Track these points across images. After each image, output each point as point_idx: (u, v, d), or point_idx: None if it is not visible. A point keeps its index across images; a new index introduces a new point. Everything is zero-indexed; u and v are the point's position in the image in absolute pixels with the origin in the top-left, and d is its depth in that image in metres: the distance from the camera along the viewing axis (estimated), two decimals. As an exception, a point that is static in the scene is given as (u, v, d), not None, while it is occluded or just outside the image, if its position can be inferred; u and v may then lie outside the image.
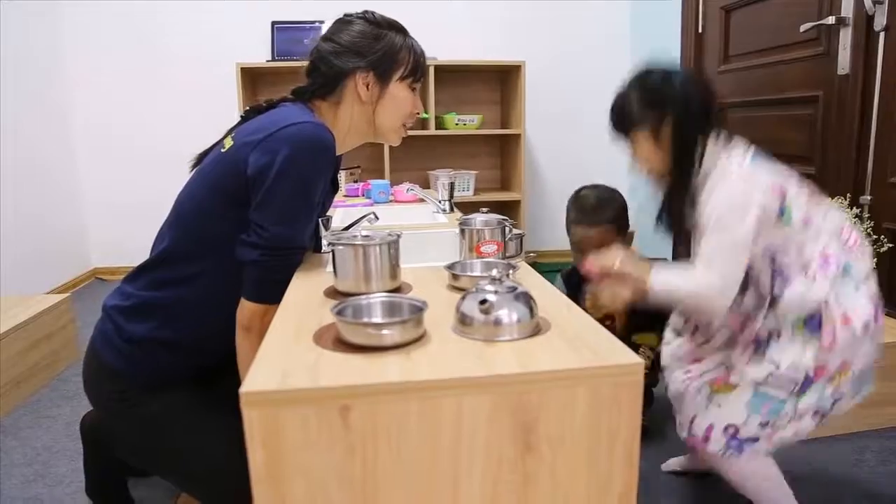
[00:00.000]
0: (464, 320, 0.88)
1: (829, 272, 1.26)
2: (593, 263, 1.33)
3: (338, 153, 1.36)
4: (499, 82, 4.12)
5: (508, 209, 3.97)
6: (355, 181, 3.16)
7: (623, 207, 1.86)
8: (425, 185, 3.71)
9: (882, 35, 2.23)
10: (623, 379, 0.79)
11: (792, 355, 1.27)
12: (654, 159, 1.36)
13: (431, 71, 3.66)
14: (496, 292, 0.87)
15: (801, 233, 1.27)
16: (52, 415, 2.19)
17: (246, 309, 1.17)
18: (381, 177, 3.63)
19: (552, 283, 1.25)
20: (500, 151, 4.20)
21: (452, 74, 3.90)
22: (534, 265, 1.45)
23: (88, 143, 3.89)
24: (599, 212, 1.82)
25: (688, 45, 3.39)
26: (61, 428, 2.09)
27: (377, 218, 1.51)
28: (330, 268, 1.18)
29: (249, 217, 1.16)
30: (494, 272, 0.89)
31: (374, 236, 1.12)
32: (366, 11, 1.34)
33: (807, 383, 1.28)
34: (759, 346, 1.32)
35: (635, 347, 1.81)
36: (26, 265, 3.22)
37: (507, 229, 1.31)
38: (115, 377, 1.26)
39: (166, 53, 3.85)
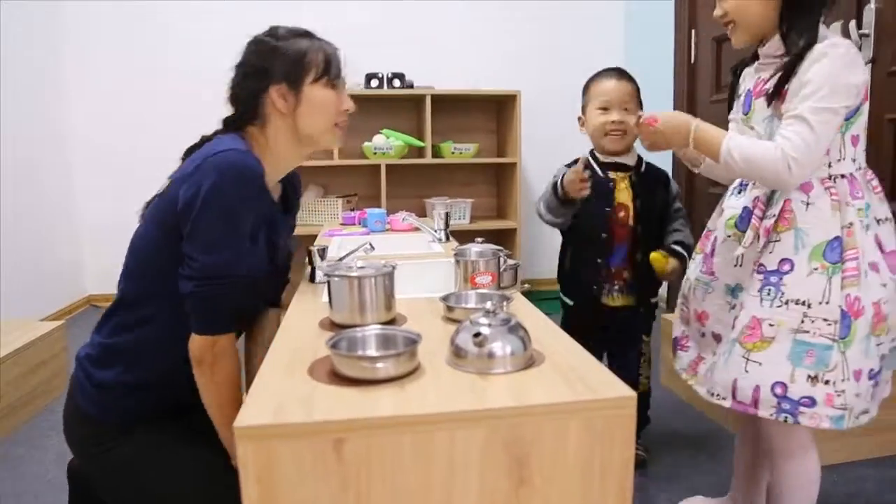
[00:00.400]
0: (458, 353, 0.88)
1: (853, 200, 1.25)
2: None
3: (282, 172, 1.36)
4: (495, 111, 4.17)
5: (504, 237, 3.99)
6: (352, 209, 3.17)
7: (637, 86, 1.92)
8: (422, 212, 3.73)
9: (869, 67, 2.27)
10: (616, 412, 0.80)
11: (814, 287, 1.23)
12: (755, 13, 1.30)
13: (428, 100, 3.70)
14: (490, 325, 0.88)
15: (845, 147, 1.26)
16: (43, 445, 2.18)
17: (194, 342, 1.16)
18: (378, 204, 3.65)
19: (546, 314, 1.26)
20: (496, 180, 4.23)
21: (449, 103, 3.94)
22: (529, 294, 1.46)
23: (86, 169, 3.91)
24: (626, 73, 1.91)
25: (681, 74, 3.44)
26: (53, 458, 2.07)
27: (373, 248, 1.52)
28: (325, 298, 1.19)
29: (182, 250, 1.16)
30: (489, 304, 0.90)
31: (370, 268, 1.13)
32: (270, 27, 1.33)
33: (845, 322, 1.22)
34: (769, 277, 1.28)
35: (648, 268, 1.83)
36: (21, 291, 3.21)
37: (501, 260, 1.32)
38: (89, 422, 1.26)
39: (165, 84, 3.89)
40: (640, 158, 1.93)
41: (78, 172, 3.91)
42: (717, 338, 1.44)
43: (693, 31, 3.34)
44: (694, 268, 1.51)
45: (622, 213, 1.85)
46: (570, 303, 1.98)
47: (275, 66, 1.27)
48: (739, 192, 1.41)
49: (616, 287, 1.88)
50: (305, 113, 1.28)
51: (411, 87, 3.78)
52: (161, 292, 1.20)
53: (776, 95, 1.28)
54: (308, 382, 0.85)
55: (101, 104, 3.88)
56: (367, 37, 3.96)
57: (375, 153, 3.72)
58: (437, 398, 0.79)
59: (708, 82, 3.25)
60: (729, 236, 1.38)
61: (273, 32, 1.31)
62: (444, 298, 1.17)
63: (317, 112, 1.30)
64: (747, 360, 1.28)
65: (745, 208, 1.35)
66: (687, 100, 3.37)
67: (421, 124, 3.90)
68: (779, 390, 1.24)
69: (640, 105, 1.87)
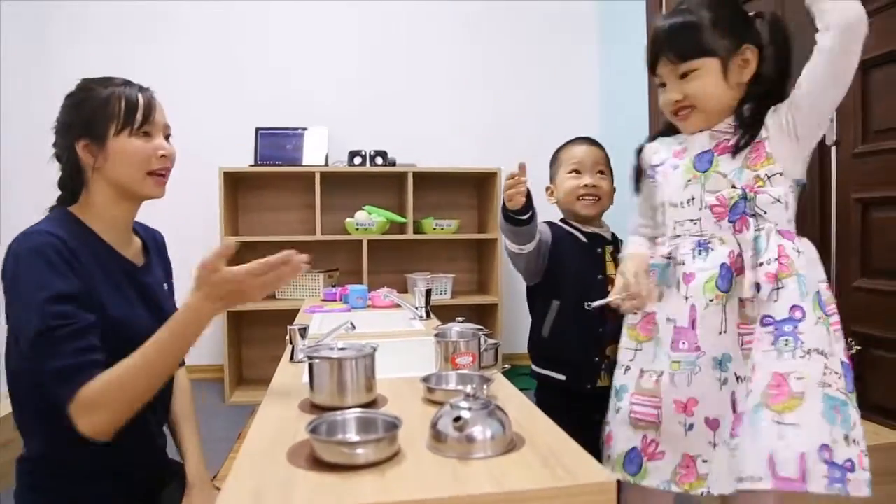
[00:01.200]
0: (438, 437, 0.88)
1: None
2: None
3: (121, 229, 1.33)
4: (475, 188, 4.25)
5: (485, 312, 4.00)
6: (333, 285, 3.18)
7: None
8: (403, 288, 3.74)
9: (833, 149, 2.37)
10: (596, 498, 0.79)
11: (823, 337, 1.17)
12: (718, 99, 1.32)
13: (410, 177, 3.77)
14: (470, 409, 0.88)
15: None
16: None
17: (75, 420, 1.09)
18: (359, 279, 3.67)
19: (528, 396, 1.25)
20: (478, 255, 4.28)
21: (430, 180, 4.01)
22: (511, 370, 1.45)
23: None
24: (596, 142, 1.86)
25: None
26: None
27: (354, 327, 1.52)
28: (306, 379, 1.19)
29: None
30: (469, 388, 0.90)
31: (351, 349, 1.14)
32: (81, 80, 1.29)
33: (848, 376, 1.17)
34: (781, 327, 1.18)
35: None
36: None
37: (482, 340, 1.33)
38: None
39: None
40: (613, 233, 1.84)
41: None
42: (714, 423, 1.25)
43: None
44: (654, 356, 1.32)
45: (610, 287, 1.63)
46: (562, 377, 1.71)
47: (78, 119, 1.24)
48: (700, 254, 1.30)
49: (603, 366, 1.67)
50: (112, 166, 1.24)
51: (394, 164, 3.86)
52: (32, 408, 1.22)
53: (745, 148, 1.29)
54: (287, 468, 0.84)
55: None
56: (350, 115, 4.07)
57: (357, 229, 3.76)
58: (418, 484, 0.79)
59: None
60: (711, 300, 1.25)
61: (81, 84, 1.28)
62: (426, 380, 1.17)
63: (124, 164, 1.24)
64: (780, 424, 1.10)
65: (722, 265, 1.26)
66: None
67: (403, 200, 3.96)
68: (826, 455, 1.08)
69: (611, 172, 1.82)
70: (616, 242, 1.80)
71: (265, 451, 0.91)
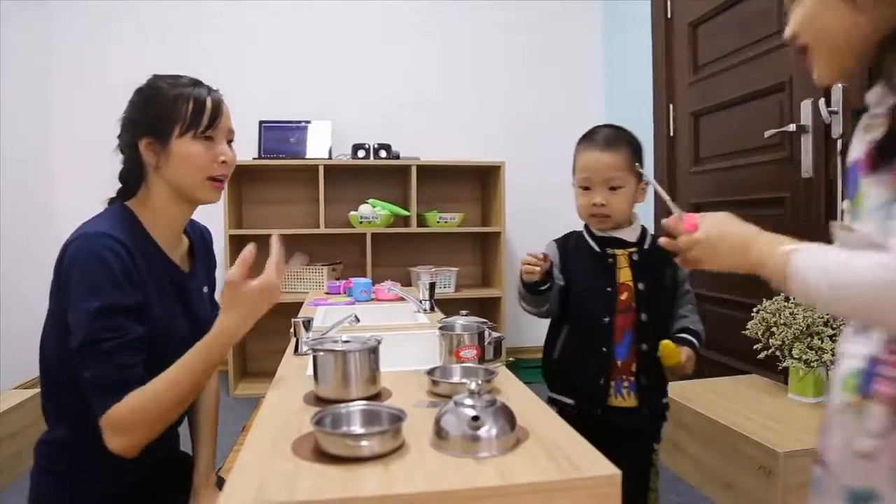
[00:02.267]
0: (442, 435, 0.88)
1: None
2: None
3: (174, 230, 1.32)
4: (479, 181, 4.24)
5: (489, 305, 4.00)
6: (336, 278, 3.18)
7: (638, 144, 1.66)
8: (407, 281, 3.74)
9: (839, 142, 2.35)
10: (602, 490, 0.79)
11: None
12: (836, 31, 0.86)
13: (413, 170, 3.77)
14: (474, 406, 0.87)
15: None
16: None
17: (105, 436, 1.11)
18: (363, 273, 3.66)
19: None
20: (481, 248, 4.27)
21: (434, 174, 4.01)
22: (514, 364, 1.45)
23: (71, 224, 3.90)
24: (614, 139, 1.62)
25: (661, 147, 3.54)
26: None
27: (358, 320, 1.52)
28: (310, 371, 1.19)
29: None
30: (473, 385, 0.90)
31: (355, 341, 1.14)
32: (152, 76, 1.28)
33: None
34: None
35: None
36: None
37: (486, 333, 1.33)
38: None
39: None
40: (643, 231, 1.66)
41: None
42: None
43: (671, 106, 3.46)
44: None
45: (624, 295, 1.56)
46: (571, 402, 1.60)
47: (142, 118, 1.23)
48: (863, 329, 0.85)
49: (624, 384, 1.55)
50: (174, 168, 1.23)
51: (397, 157, 3.86)
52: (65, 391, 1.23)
53: (884, 165, 0.78)
54: (291, 460, 0.84)
55: (89, 176, 3.89)
56: (354, 108, 4.06)
57: (361, 222, 3.75)
58: (422, 477, 0.79)
59: (687, 155, 3.35)
60: (848, 404, 0.82)
61: (151, 81, 1.27)
62: (430, 372, 1.17)
63: (185, 167, 1.23)
64: None
65: (870, 360, 0.81)
66: (667, 171, 3.46)
67: (406, 194, 3.96)
68: None
69: (638, 169, 1.57)
70: (642, 242, 1.62)
71: (270, 443, 0.91)
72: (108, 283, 1.12)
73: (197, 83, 1.27)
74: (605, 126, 1.67)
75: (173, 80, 1.25)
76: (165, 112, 1.21)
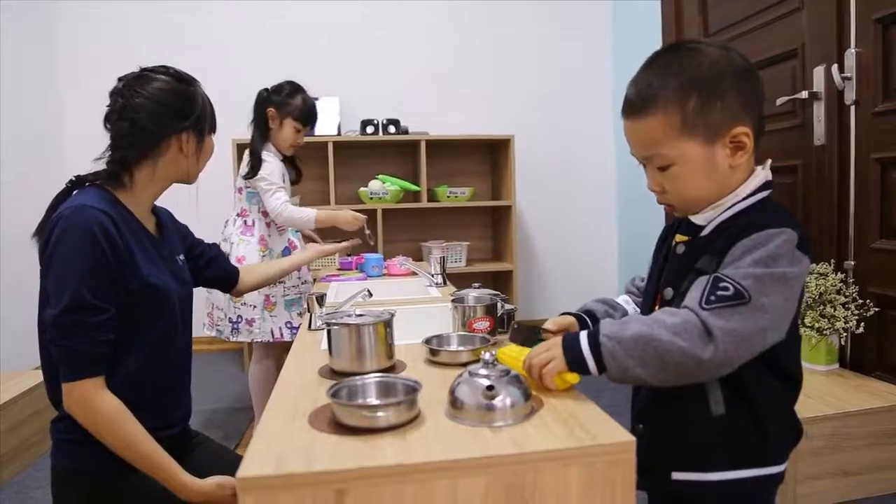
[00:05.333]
0: (455, 404, 0.89)
1: None
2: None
3: (148, 207, 1.39)
4: (489, 155, 4.22)
5: (500, 279, 4.00)
6: (348, 254, 3.18)
7: (705, 77, 0.99)
8: (418, 256, 3.75)
9: (853, 108, 2.32)
10: (616, 457, 0.80)
11: None
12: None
13: (423, 145, 3.75)
14: (489, 376, 0.88)
15: None
16: (37, 496, 2.15)
17: (66, 396, 1.17)
18: (375, 248, 3.67)
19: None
20: (492, 222, 4.27)
21: (444, 148, 3.99)
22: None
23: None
24: (646, 93, 1.03)
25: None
26: (48, 512, 2.04)
27: (371, 294, 1.53)
28: (325, 346, 1.20)
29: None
30: (487, 356, 0.91)
31: (369, 315, 1.14)
32: (167, 68, 1.37)
33: None
34: None
35: None
36: (15, 340, 3.20)
37: (498, 305, 1.33)
38: (66, 476, 1.27)
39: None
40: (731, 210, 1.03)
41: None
42: None
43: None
44: None
45: (658, 305, 1.12)
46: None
47: (190, 113, 1.35)
48: None
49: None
50: (199, 159, 1.41)
51: (406, 132, 3.84)
52: None
53: None
54: (309, 432, 0.86)
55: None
56: (362, 84, 4.04)
57: (372, 198, 3.75)
58: (439, 446, 0.80)
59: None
60: None
61: (186, 77, 1.39)
62: (427, 341, 1.19)
63: (205, 159, 1.43)
64: None
65: None
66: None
67: (416, 169, 3.95)
68: None
69: (689, 133, 0.99)
70: (727, 227, 1.01)
71: (287, 416, 0.92)
72: (91, 252, 1.17)
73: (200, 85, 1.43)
74: (648, 63, 1.09)
75: (193, 81, 1.40)
76: (206, 110, 1.39)
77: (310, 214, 2.43)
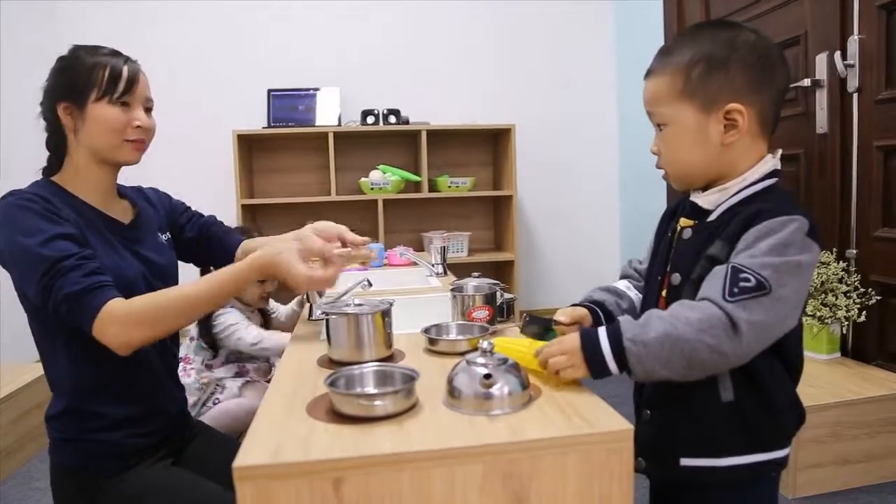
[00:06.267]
0: (453, 393, 0.89)
1: None
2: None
3: (104, 192, 1.35)
4: (490, 144, 4.21)
5: (502, 269, 4.00)
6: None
7: (721, 50, 0.99)
8: (419, 246, 3.75)
9: (855, 96, 2.31)
10: (614, 446, 0.80)
11: None
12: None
13: (423, 135, 3.74)
14: (486, 364, 0.88)
15: None
16: (41, 487, 2.16)
17: (99, 337, 1.14)
18: (375, 238, 3.67)
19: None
20: (493, 212, 4.26)
21: (444, 138, 3.98)
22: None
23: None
24: (665, 51, 1.05)
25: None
26: (49, 502, 2.05)
27: (370, 284, 1.53)
28: (323, 336, 1.20)
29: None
30: (485, 344, 0.90)
31: (367, 304, 1.14)
32: (73, 46, 1.32)
33: None
34: None
35: None
36: (19, 332, 3.20)
37: (498, 294, 1.33)
38: (65, 473, 1.27)
39: (163, 124, 3.93)
40: (740, 194, 1.02)
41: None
42: None
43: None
44: None
45: (664, 291, 1.09)
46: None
47: (62, 83, 1.28)
48: None
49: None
50: (89, 131, 1.28)
51: (407, 122, 3.83)
52: (46, 327, 1.26)
53: None
54: (306, 421, 0.86)
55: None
56: (362, 74, 4.03)
57: (372, 188, 3.75)
58: (436, 435, 0.80)
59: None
60: None
61: (72, 50, 1.32)
62: (426, 331, 1.19)
63: (100, 131, 1.28)
64: None
65: None
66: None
67: (417, 159, 3.94)
68: None
69: (687, 97, 1.00)
70: (737, 213, 0.99)
71: (285, 405, 0.92)
72: (41, 221, 1.17)
73: (115, 53, 1.31)
74: (677, 37, 1.08)
75: (92, 50, 1.30)
76: (83, 78, 1.26)
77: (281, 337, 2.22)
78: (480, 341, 0.92)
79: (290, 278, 1.23)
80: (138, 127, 1.31)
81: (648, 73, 1.07)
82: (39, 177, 1.33)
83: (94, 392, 1.24)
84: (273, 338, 2.16)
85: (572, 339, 0.95)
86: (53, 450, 1.28)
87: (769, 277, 0.89)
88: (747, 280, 0.90)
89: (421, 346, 1.20)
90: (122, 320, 1.13)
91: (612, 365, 0.92)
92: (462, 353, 1.10)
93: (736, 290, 0.89)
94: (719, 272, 0.93)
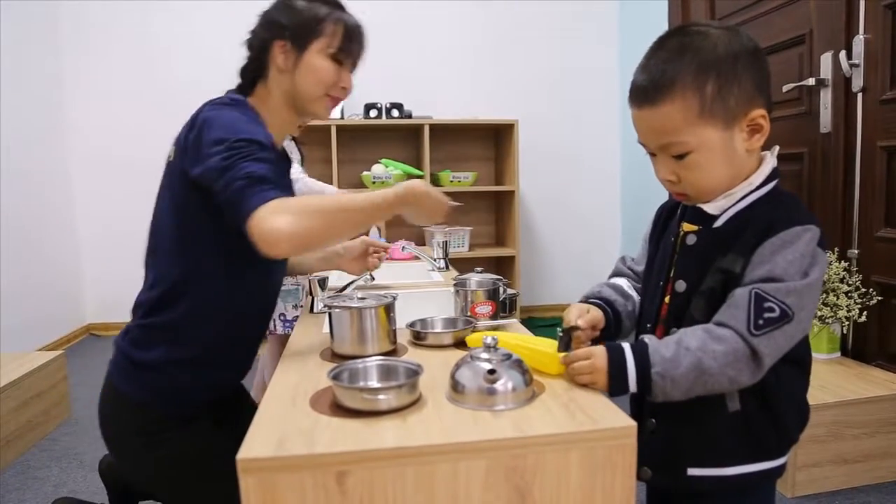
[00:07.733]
0: (456, 387, 0.89)
1: None
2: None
3: (279, 134, 1.35)
4: (493, 140, 4.21)
5: (503, 264, 4.00)
6: (351, 238, 3.18)
7: (721, 61, 0.94)
8: (421, 240, 3.75)
9: (860, 96, 2.30)
10: (617, 442, 0.80)
11: None
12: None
13: (426, 130, 3.74)
14: (490, 360, 0.88)
15: None
16: (40, 476, 2.16)
17: (255, 227, 1.04)
18: (377, 233, 3.67)
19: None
20: (495, 207, 4.26)
21: (447, 133, 3.98)
22: (528, 321, 1.45)
23: (86, 199, 3.93)
24: (659, 79, 0.96)
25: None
26: (50, 490, 2.06)
27: (373, 278, 1.53)
28: (326, 329, 1.20)
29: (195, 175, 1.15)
30: (489, 340, 0.90)
31: (371, 298, 1.14)
32: None
33: None
34: None
35: None
36: (19, 321, 3.21)
37: (501, 289, 1.33)
38: (134, 408, 1.24)
39: (166, 119, 3.92)
40: (747, 199, 1.00)
41: (79, 201, 3.93)
42: None
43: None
44: None
45: (667, 298, 1.07)
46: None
47: (287, 22, 1.29)
48: None
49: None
50: (301, 76, 1.29)
51: (409, 116, 3.83)
52: (194, 261, 1.22)
53: None
54: (310, 415, 0.86)
55: (102, 120, 3.89)
56: (365, 67, 4.01)
57: (374, 182, 3.75)
58: (439, 429, 0.80)
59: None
60: None
61: None
62: (411, 325, 1.20)
63: (312, 78, 1.30)
64: None
65: None
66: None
67: (419, 153, 3.94)
68: None
69: (708, 118, 0.94)
70: (746, 220, 0.98)
71: (288, 398, 0.92)
72: (246, 123, 1.17)
73: (341, 7, 1.35)
74: (656, 48, 1.02)
75: (332, 1, 1.33)
76: (313, 24, 1.28)
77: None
78: (485, 337, 0.92)
79: (430, 200, 1.23)
80: (342, 88, 1.35)
81: (643, 104, 0.97)
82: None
83: (198, 329, 1.23)
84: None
85: (601, 356, 0.94)
86: (118, 377, 1.25)
87: (792, 305, 0.89)
88: (772, 310, 0.89)
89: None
90: (295, 210, 1.05)
91: (633, 389, 0.93)
92: (445, 347, 1.14)
93: (761, 321, 0.89)
94: (742, 299, 0.91)
